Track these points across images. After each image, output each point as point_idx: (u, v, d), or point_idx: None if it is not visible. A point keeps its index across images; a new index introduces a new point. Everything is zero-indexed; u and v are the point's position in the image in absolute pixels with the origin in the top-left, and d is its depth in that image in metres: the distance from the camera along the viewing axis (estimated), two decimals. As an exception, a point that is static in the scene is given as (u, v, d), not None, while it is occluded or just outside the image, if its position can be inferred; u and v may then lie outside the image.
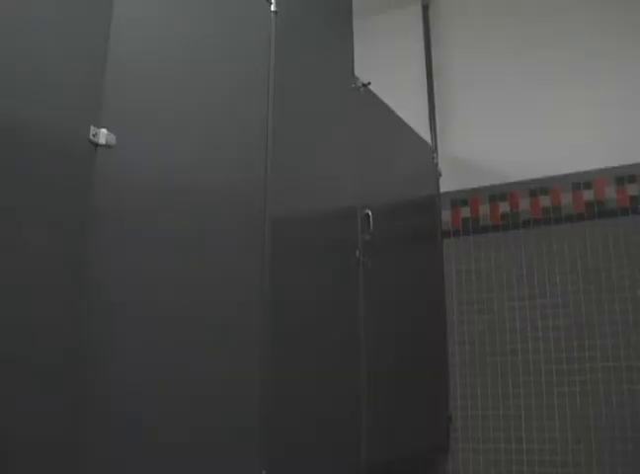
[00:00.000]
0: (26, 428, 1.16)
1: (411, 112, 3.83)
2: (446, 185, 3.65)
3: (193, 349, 1.55)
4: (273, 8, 2.08)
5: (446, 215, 3.60)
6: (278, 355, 1.83)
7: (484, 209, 3.51)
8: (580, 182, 3.29)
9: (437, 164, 3.63)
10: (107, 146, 1.40)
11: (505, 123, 3.60)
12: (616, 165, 3.23)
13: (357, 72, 2.60)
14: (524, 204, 3.41)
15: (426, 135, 3.76)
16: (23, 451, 1.16)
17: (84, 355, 1.28)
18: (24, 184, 1.21)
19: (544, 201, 3.36)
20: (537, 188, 3.40)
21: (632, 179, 3.18)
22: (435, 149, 3.68)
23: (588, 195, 3.26)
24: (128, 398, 1.37)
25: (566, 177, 3.33)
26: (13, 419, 1.14)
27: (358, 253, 2.39)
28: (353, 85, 2.58)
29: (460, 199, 3.59)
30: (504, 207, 3.46)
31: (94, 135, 1.37)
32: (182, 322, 1.53)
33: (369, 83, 2.69)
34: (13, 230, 1.18)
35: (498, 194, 3.50)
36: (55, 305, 1.25)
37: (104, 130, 1.39)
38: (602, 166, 3.26)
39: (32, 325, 1.19)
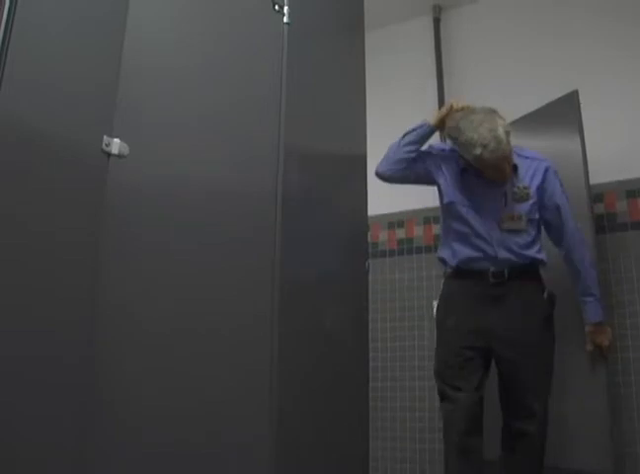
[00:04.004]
0: (35, 430, 1.16)
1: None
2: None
3: (202, 354, 1.55)
4: (285, 20, 2.09)
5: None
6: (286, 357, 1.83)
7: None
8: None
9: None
10: (119, 156, 1.40)
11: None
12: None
13: (368, 83, 2.61)
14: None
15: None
16: (31, 453, 1.16)
17: (94, 357, 1.29)
18: (38, 191, 1.22)
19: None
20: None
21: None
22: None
23: None
24: (136, 404, 1.37)
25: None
26: (22, 422, 1.15)
27: (367, 265, 2.40)
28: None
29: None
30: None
31: (107, 145, 1.38)
32: (190, 328, 1.54)
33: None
34: (24, 235, 1.19)
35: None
36: (66, 311, 1.26)
37: (116, 140, 1.40)
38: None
39: (43, 328, 1.20)
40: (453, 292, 2.52)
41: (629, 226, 3.17)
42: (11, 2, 1.18)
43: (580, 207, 2.76)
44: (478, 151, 2.29)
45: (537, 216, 2.48)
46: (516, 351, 2.37)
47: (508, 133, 2.32)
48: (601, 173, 3.18)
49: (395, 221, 3.79)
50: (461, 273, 2.48)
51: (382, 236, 3.80)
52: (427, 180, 2.62)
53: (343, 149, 2.40)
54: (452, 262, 2.50)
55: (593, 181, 2.94)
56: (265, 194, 1.87)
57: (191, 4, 1.75)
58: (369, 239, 3.11)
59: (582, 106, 2.98)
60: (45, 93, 1.26)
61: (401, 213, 3.76)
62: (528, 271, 2.45)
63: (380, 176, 2.60)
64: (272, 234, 1.85)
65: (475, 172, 2.47)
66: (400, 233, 3.78)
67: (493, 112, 2.38)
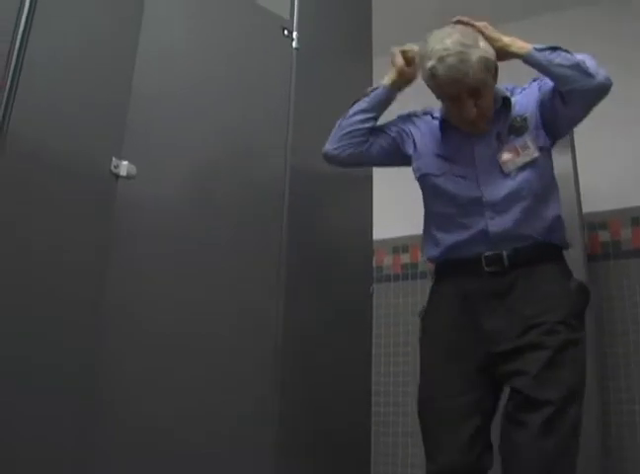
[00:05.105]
0: (38, 429, 1.17)
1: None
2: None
3: (205, 360, 1.56)
4: (294, 45, 2.12)
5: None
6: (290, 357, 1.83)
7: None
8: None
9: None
10: (127, 177, 1.42)
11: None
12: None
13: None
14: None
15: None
16: (32, 453, 1.17)
17: (100, 362, 1.29)
18: (48, 210, 1.24)
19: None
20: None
21: None
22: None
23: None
24: (137, 407, 1.37)
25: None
26: (26, 421, 1.16)
27: (371, 289, 2.40)
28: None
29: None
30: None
31: (115, 167, 1.39)
32: (192, 336, 1.55)
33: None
34: (31, 250, 1.21)
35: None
36: (74, 319, 1.27)
37: (125, 162, 1.42)
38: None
39: (54, 333, 1.21)
40: (437, 298, 1.80)
41: (633, 254, 3.17)
42: (25, 27, 1.20)
43: (573, 234, 2.74)
44: (430, 63, 1.63)
45: (549, 143, 1.75)
46: (524, 361, 1.57)
47: (485, 61, 1.63)
48: (607, 200, 3.18)
49: (400, 246, 3.79)
50: (447, 267, 1.78)
51: (387, 260, 3.80)
52: (394, 158, 1.93)
53: (348, 171, 2.42)
54: (435, 253, 1.79)
55: (596, 208, 2.93)
56: (270, 215, 1.88)
57: (202, 29, 1.78)
58: (374, 263, 3.10)
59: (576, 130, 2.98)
60: (57, 116, 1.28)
61: (406, 238, 3.76)
62: (542, 251, 1.69)
63: (327, 157, 1.92)
64: (276, 256, 1.86)
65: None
66: (405, 258, 3.78)
67: (479, 34, 1.68)
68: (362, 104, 1.90)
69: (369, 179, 2.50)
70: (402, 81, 1.89)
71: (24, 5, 1.29)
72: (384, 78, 1.91)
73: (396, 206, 3.31)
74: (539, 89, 1.76)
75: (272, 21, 2.06)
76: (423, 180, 1.83)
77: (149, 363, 1.43)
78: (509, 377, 1.60)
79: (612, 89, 1.61)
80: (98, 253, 1.34)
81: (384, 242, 3.70)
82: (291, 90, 2.06)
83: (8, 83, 1.19)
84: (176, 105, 1.61)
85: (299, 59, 2.13)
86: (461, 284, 1.71)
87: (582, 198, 2.99)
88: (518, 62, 1.70)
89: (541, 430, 1.49)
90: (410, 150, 1.89)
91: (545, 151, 1.74)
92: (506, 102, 1.76)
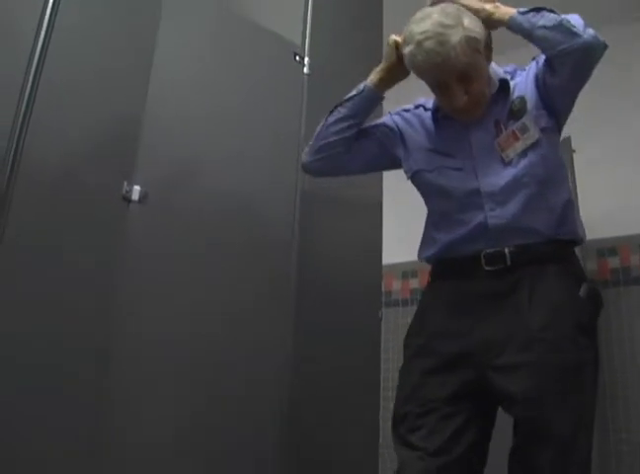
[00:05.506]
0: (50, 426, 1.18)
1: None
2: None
3: (215, 391, 1.55)
4: (305, 71, 2.13)
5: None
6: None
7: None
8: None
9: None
10: (138, 202, 1.43)
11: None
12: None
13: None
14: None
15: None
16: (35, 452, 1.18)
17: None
18: (61, 233, 1.25)
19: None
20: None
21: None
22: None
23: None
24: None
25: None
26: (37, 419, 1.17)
27: (380, 314, 2.39)
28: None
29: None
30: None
31: (127, 192, 1.40)
32: (201, 366, 1.54)
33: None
34: (49, 276, 1.22)
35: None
36: (87, 329, 1.28)
37: (137, 187, 1.43)
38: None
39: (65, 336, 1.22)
40: (429, 301, 1.57)
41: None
42: (40, 55, 1.22)
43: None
44: (408, 49, 1.44)
45: (551, 123, 1.52)
46: (526, 384, 1.34)
47: (470, 41, 1.42)
48: (617, 226, 3.18)
49: (409, 271, 3.78)
50: (443, 267, 1.56)
51: (396, 285, 3.80)
52: (382, 161, 1.72)
53: (358, 197, 2.42)
54: (429, 253, 1.58)
55: (607, 234, 2.91)
56: (280, 240, 1.88)
57: (214, 56, 1.80)
58: (383, 288, 3.10)
59: (576, 152, 2.98)
60: (70, 142, 1.29)
61: (414, 263, 3.73)
62: (550, 248, 1.46)
63: (306, 170, 1.71)
64: (285, 280, 1.86)
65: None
66: (414, 283, 3.77)
67: (464, 11, 1.46)
68: (344, 109, 1.64)
69: (379, 204, 2.50)
70: (391, 79, 1.62)
71: (39, 33, 1.31)
72: (370, 75, 1.64)
73: (405, 231, 3.29)
74: (537, 65, 1.54)
75: (283, 47, 2.08)
76: (415, 178, 1.61)
77: (158, 392, 1.42)
78: (508, 401, 1.37)
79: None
80: (108, 276, 1.35)
81: (393, 267, 3.69)
82: (303, 115, 2.07)
83: (22, 110, 1.21)
84: (188, 131, 1.62)
85: (310, 85, 2.14)
86: (456, 286, 1.48)
87: (592, 225, 2.97)
88: (524, 50, 1.57)
89: (551, 470, 1.31)
90: (399, 151, 1.66)
91: (549, 132, 1.52)
92: (503, 85, 1.55)
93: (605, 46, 1.40)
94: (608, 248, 3.21)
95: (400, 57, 1.52)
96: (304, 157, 1.68)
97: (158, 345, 1.45)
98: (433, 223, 1.59)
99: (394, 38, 1.55)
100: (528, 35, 1.44)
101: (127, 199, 1.41)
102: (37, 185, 1.22)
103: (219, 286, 1.64)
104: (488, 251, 1.44)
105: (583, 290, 1.43)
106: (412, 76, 1.52)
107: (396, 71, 1.58)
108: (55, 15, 1.35)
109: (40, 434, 1.20)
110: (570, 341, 1.37)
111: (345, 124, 1.63)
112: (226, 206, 1.70)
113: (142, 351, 1.41)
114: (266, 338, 1.75)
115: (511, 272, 1.42)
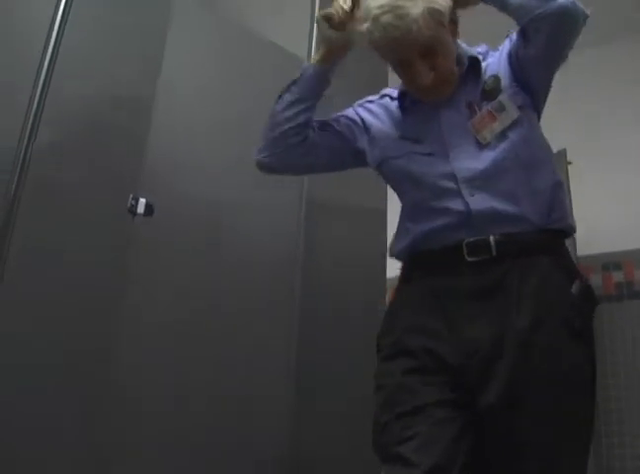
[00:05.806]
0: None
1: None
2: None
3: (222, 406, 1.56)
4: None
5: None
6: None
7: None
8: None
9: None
10: (144, 215, 1.43)
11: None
12: None
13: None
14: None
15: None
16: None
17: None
18: (66, 245, 1.26)
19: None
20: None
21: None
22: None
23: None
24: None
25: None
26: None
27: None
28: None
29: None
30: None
31: (132, 205, 1.41)
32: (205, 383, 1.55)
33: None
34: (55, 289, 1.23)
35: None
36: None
37: (142, 200, 1.43)
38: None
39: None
40: (399, 300, 1.41)
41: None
42: (48, 68, 1.23)
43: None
44: (365, 26, 1.32)
45: (528, 101, 1.40)
46: (512, 393, 1.18)
47: (433, 12, 1.29)
48: (622, 241, 3.17)
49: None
50: (417, 262, 1.38)
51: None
52: (345, 156, 1.54)
53: (362, 205, 2.42)
54: (402, 245, 1.40)
55: (612, 249, 2.90)
56: (284, 251, 1.89)
57: (221, 69, 1.82)
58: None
59: (572, 165, 2.98)
60: (76, 154, 1.30)
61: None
62: (540, 238, 1.30)
63: (261, 168, 1.53)
64: (290, 291, 1.86)
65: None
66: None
67: None
68: (290, 95, 1.47)
69: (384, 214, 2.50)
70: (333, 53, 1.46)
71: (49, 43, 1.33)
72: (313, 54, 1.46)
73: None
74: (510, 42, 1.43)
75: (289, 60, 2.09)
76: (383, 167, 1.46)
77: (158, 392, 1.43)
78: (491, 408, 1.18)
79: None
80: (113, 288, 1.36)
81: (397, 280, 3.67)
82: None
83: (30, 122, 1.22)
84: (194, 144, 1.63)
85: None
86: (433, 281, 1.30)
87: (595, 239, 2.97)
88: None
89: None
90: (362, 144, 1.50)
91: (528, 110, 1.39)
92: (474, 63, 1.42)
93: (586, 15, 1.28)
94: (613, 262, 3.20)
95: (338, 26, 1.39)
96: (256, 155, 1.50)
97: (158, 352, 1.46)
98: (406, 215, 1.42)
99: (320, 14, 1.43)
100: (503, 4, 1.33)
101: (133, 212, 1.42)
102: (42, 198, 1.23)
103: (222, 295, 1.65)
104: (471, 239, 1.27)
105: (575, 288, 1.29)
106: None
107: (335, 47, 1.45)
108: (65, 24, 1.37)
109: (40, 434, 1.20)
110: (564, 345, 1.23)
111: (295, 110, 1.46)
112: (231, 219, 1.71)
113: (143, 353, 1.42)
114: (269, 343, 1.76)
115: (497, 263, 1.25)
